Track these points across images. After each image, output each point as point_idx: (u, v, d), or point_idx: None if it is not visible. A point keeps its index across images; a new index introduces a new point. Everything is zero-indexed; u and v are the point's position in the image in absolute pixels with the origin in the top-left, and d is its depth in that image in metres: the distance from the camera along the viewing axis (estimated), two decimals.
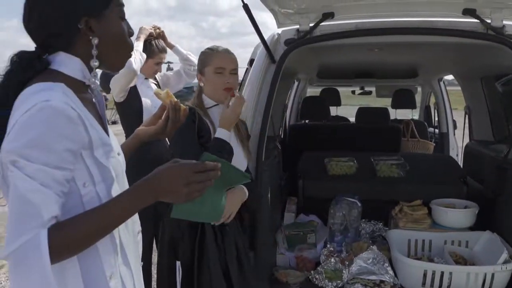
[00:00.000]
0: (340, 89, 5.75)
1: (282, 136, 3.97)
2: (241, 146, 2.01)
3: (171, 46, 3.24)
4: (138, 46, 2.84)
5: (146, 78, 3.10)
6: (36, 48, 1.04)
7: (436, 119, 5.01)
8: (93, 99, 1.08)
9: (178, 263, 1.92)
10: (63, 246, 0.88)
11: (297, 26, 2.38)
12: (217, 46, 2.03)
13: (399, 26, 2.31)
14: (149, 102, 3.05)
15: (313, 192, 2.94)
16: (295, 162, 3.14)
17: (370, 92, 6.36)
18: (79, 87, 1.01)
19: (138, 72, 2.82)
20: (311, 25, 2.33)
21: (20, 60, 1.00)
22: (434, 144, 4.50)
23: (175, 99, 1.50)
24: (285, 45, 2.35)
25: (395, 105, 4.97)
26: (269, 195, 2.34)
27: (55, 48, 1.02)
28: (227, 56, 1.96)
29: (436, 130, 5.03)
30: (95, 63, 1.02)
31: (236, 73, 1.98)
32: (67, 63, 1.01)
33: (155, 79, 3.25)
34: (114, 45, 1.05)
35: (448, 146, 4.65)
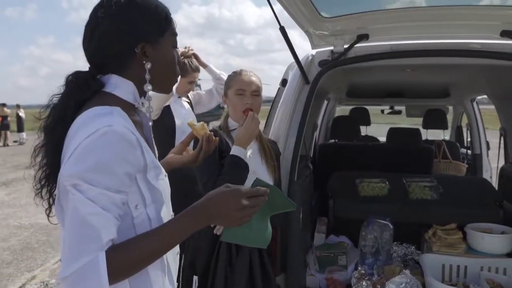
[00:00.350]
0: (368, 107, 5.72)
1: (311, 155, 3.96)
2: (266, 165, 2.05)
3: (205, 66, 3.30)
4: None
5: (179, 97, 3.16)
6: (89, 68, 1.08)
7: (469, 139, 4.90)
8: (147, 122, 1.11)
9: (195, 278, 1.97)
10: (120, 269, 0.90)
11: (331, 48, 2.40)
12: (242, 69, 2.10)
13: (436, 48, 2.30)
14: (182, 120, 3.11)
15: (343, 213, 2.91)
16: (325, 181, 3.13)
17: (400, 112, 6.29)
18: (129, 110, 1.05)
19: (174, 92, 2.89)
20: (346, 46, 2.35)
21: (76, 80, 1.04)
22: (467, 166, 4.40)
23: (209, 132, 1.56)
24: (319, 66, 2.37)
25: (426, 125, 4.90)
26: (301, 215, 2.33)
27: (108, 69, 1.06)
28: (248, 78, 2.03)
29: (469, 151, 4.92)
30: (148, 87, 1.06)
31: (258, 95, 2.04)
32: (121, 86, 1.05)
33: (187, 97, 3.31)
34: (164, 71, 1.10)
35: (481, 168, 4.53)
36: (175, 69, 1.13)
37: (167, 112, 3.06)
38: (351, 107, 5.62)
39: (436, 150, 4.20)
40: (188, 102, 3.28)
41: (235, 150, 1.91)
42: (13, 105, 20.37)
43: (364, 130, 5.34)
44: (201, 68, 3.30)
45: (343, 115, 5.41)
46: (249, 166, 1.92)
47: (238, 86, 2.02)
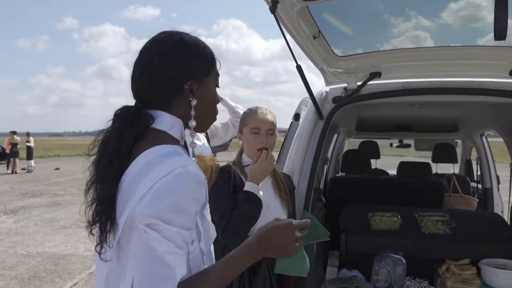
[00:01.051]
0: (377, 140, 5.76)
1: (322, 189, 3.99)
2: (280, 200, 2.09)
3: (220, 99, 3.39)
4: None
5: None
6: (136, 103, 1.11)
7: (479, 173, 4.91)
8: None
9: None
10: None
11: (345, 84, 2.47)
12: (258, 107, 2.14)
13: (446, 86, 2.36)
14: (196, 152, 3.17)
15: (356, 247, 2.92)
16: (335, 214, 3.14)
17: (409, 145, 6.33)
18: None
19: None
20: (359, 83, 2.42)
21: (126, 114, 1.06)
22: (478, 200, 4.39)
23: (215, 162, 1.63)
24: (333, 103, 2.43)
25: (435, 159, 4.93)
26: (314, 249, 2.35)
27: (155, 105, 1.09)
28: (263, 116, 2.07)
29: (479, 185, 4.92)
30: (193, 123, 1.10)
31: (273, 134, 2.08)
32: (173, 124, 1.08)
33: None
34: (206, 108, 1.14)
35: (492, 202, 4.52)
36: (215, 107, 1.18)
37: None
38: (360, 140, 5.66)
39: (446, 184, 4.21)
40: (204, 135, 3.34)
41: (248, 186, 1.96)
42: (23, 133, 20.62)
43: (373, 163, 5.37)
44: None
45: (353, 148, 5.45)
46: (263, 200, 1.97)
47: (253, 124, 2.06)
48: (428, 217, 2.94)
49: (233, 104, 3.34)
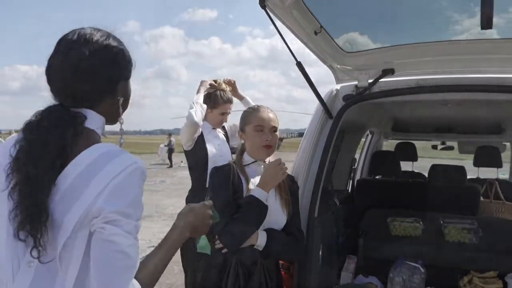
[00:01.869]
0: (421, 143, 5.44)
1: (349, 191, 3.86)
2: (280, 199, 2.02)
3: (241, 98, 3.37)
4: (199, 98, 2.99)
5: (213, 128, 3.23)
6: (63, 102, 1.06)
7: None
8: None
9: None
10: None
11: (356, 82, 2.36)
12: (259, 105, 2.10)
13: (463, 83, 2.18)
14: (214, 151, 3.17)
15: (373, 252, 2.79)
16: (361, 218, 3.02)
17: (452, 148, 5.96)
18: None
19: (200, 123, 2.96)
20: (370, 81, 2.30)
21: (60, 113, 1.03)
22: None
23: None
24: (343, 101, 2.32)
25: (477, 163, 4.60)
26: (320, 252, 2.26)
27: (83, 102, 1.07)
28: (266, 115, 2.03)
29: None
30: (121, 120, 1.15)
31: (276, 131, 2.03)
32: (103, 123, 1.12)
33: (223, 128, 3.37)
34: (125, 106, 1.17)
35: None
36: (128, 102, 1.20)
37: (201, 143, 3.13)
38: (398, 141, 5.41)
39: (488, 189, 3.91)
40: (223, 134, 3.33)
41: (257, 192, 1.90)
42: None
43: (412, 167, 5.10)
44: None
45: (382, 150, 5.22)
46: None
47: (257, 122, 2.02)
48: (454, 224, 2.77)
49: (253, 103, 3.31)
